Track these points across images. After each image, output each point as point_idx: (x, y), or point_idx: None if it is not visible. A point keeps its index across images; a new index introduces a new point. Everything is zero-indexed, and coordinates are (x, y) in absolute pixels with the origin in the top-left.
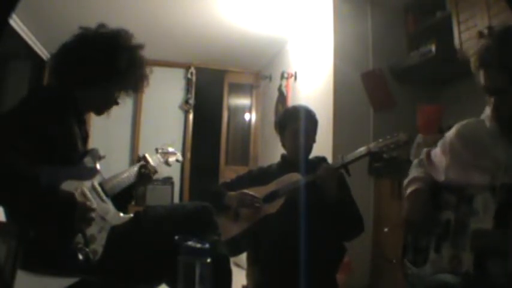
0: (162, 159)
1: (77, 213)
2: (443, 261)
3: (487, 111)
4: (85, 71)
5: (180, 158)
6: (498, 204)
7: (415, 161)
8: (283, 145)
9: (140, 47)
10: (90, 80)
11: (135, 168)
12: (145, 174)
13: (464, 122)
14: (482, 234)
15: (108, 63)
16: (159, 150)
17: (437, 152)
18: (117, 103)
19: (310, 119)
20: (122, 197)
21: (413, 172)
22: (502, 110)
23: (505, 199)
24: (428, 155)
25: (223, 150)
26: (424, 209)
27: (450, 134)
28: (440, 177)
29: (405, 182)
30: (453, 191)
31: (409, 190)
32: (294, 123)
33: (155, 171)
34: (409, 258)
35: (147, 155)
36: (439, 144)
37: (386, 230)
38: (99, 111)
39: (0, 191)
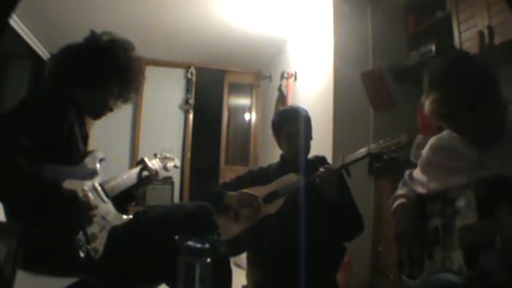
0: (160, 164)
1: (79, 211)
2: (436, 265)
3: None
4: (87, 73)
5: (178, 164)
6: (477, 197)
7: (400, 183)
8: (281, 148)
9: (140, 59)
10: (91, 83)
11: (136, 171)
12: (147, 177)
13: (435, 136)
14: (468, 229)
15: (110, 68)
16: (158, 155)
17: (418, 171)
18: (112, 110)
19: (304, 119)
20: (123, 197)
21: (398, 191)
22: (456, 130)
23: (482, 191)
24: (410, 174)
25: (223, 150)
26: (409, 219)
27: (425, 150)
28: (424, 191)
29: (390, 201)
30: (438, 199)
31: (393, 207)
32: (289, 126)
33: (156, 174)
34: (406, 273)
35: (146, 159)
36: (418, 163)
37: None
38: (96, 116)
39: (1, 189)
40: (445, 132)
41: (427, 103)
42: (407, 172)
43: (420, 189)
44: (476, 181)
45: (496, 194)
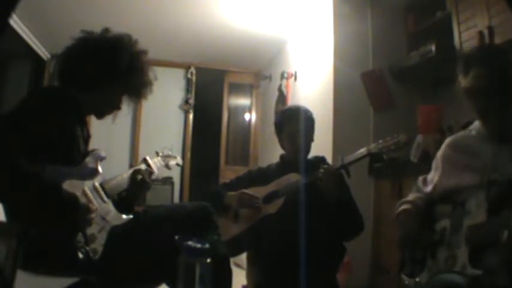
0: (162, 163)
1: (78, 214)
2: (439, 264)
3: (475, 124)
4: (86, 73)
5: (180, 161)
6: (489, 199)
7: (413, 188)
8: (282, 146)
9: (144, 52)
10: (91, 82)
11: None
12: (141, 181)
13: (452, 135)
14: (475, 227)
15: (109, 66)
16: (160, 154)
17: (431, 173)
18: (119, 108)
19: (307, 119)
20: (123, 207)
21: (408, 196)
22: (488, 111)
23: (494, 193)
24: (424, 179)
25: (223, 150)
26: (412, 226)
27: (441, 149)
28: (434, 186)
29: (395, 206)
30: (448, 201)
31: (396, 212)
32: (291, 125)
33: (151, 173)
34: (407, 272)
35: (147, 158)
36: (433, 164)
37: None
38: (100, 115)
39: (1, 189)
40: (461, 132)
41: (466, 80)
42: (420, 178)
43: (431, 187)
44: (490, 182)
45: (508, 196)
